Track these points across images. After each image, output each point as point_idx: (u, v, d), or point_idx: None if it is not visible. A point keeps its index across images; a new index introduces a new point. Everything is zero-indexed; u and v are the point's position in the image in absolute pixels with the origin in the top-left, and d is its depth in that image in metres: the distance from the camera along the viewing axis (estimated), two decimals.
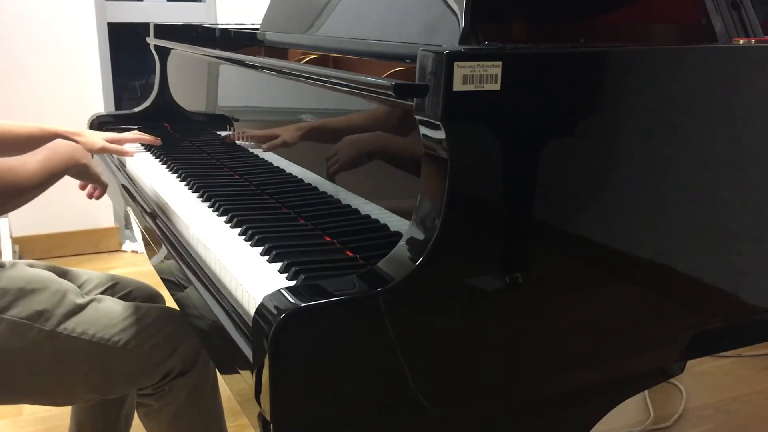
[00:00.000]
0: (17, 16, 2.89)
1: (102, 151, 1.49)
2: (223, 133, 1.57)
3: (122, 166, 1.68)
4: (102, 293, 1.37)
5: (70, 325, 1.18)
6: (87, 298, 1.24)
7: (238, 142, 1.52)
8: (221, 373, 0.98)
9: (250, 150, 1.46)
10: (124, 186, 1.50)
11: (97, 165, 1.53)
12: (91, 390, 1.22)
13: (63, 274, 1.36)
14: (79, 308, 1.20)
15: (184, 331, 1.24)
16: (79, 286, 1.35)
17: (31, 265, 1.34)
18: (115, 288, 1.41)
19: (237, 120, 1.55)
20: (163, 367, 1.23)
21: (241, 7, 3.25)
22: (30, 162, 1.15)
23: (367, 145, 1.06)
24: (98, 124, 1.92)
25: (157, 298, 1.46)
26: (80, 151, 1.27)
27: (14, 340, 1.14)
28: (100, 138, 1.48)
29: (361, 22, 1.29)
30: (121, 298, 1.36)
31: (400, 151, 0.97)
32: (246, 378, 0.82)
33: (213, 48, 1.65)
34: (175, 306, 1.23)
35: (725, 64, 0.98)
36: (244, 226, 1.11)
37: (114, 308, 1.24)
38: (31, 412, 1.90)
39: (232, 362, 0.88)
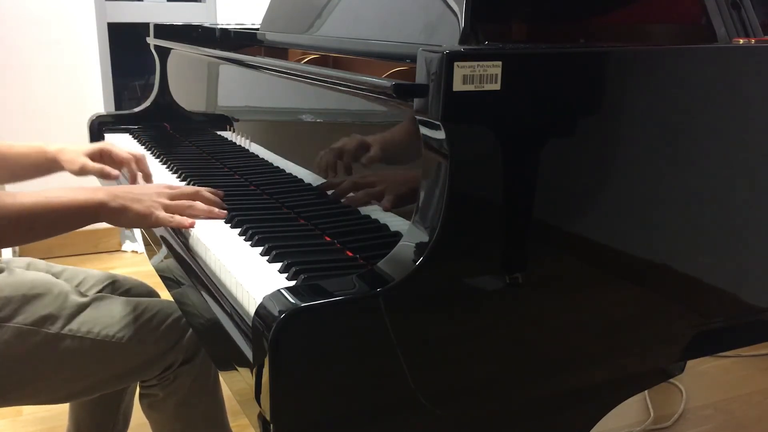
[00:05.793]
0: (17, 16, 2.89)
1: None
2: (250, 149, 1.51)
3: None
4: (100, 291, 1.37)
5: (74, 325, 1.18)
6: (88, 297, 1.24)
7: (246, 147, 1.52)
8: (221, 371, 0.98)
9: (250, 150, 1.46)
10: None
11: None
12: (95, 386, 1.23)
13: (59, 273, 1.36)
14: (82, 307, 1.20)
15: (185, 321, 1.24)
16: (77, 285, 1.35)
17: (28, 265, 1.35)
18: (113, 286, 1.41)
19: (237, 120, 1.55)
20: (167, 358, 1.24)
21: (241, 7, 3.25)
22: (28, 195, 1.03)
23: (368, 145, 1.06)
24: (98, 124, 1.92)
25: (155, 296, 1.46)
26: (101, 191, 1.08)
27: (18, 346, 1.14)
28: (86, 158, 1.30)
29: (361, 22, 1.28)
30: (120, 296, 1.36)
31: (401, 151, 0.97)
32: (246, 378, 0.82)
33: (213, 48, 1.65)
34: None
35: (725, 64, 0.98)
36: (244, 226, 1.11)
37: (115, 305, 1.24)
38: (31, 412, 1.90)
39: (231, 362, 0.88)
